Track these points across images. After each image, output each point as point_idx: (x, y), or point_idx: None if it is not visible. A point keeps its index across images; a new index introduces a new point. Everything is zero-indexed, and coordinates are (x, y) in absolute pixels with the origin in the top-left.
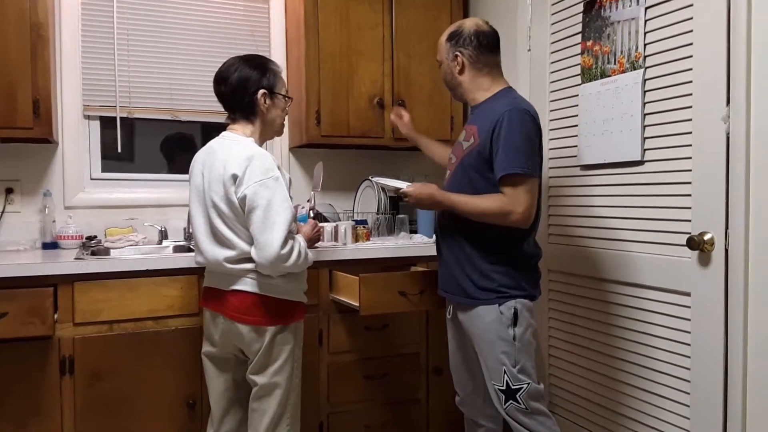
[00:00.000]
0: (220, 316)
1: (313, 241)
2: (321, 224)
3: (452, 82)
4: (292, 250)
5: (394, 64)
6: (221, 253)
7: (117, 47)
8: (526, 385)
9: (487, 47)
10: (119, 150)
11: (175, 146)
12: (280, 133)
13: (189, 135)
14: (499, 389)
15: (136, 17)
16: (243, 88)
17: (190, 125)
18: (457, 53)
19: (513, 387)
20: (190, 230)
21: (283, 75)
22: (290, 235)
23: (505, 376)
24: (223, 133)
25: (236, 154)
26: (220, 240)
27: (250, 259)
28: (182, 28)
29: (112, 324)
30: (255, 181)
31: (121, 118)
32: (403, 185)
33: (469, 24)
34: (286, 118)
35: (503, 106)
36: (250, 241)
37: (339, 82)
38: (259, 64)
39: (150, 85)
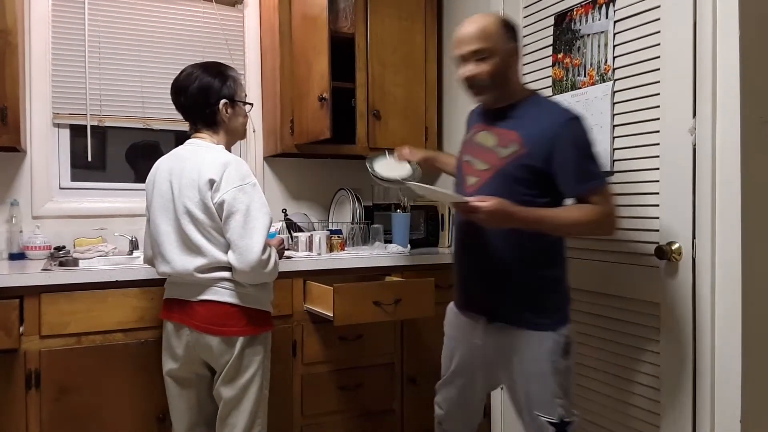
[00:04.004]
0: (185, 328)
1: (279, 256)
2: (295, 234)
3: (501, 77)
4: (270, 257)
5: (369, 74)
6: (191, 262)
7: (88, 54)
8: (575, 419)
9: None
10: (89, 159)
11: (140, 154)
12: (243, 137)
13: (154, 143)
14: (549, 422)
15: (108, 24)
16: (204, 98)
17: (162, 134)
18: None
19: (566, 421)
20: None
21: (245, 80)
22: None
23: (560, 409)
24: (190, 140)
25: (211, 160)
26: (191, 248)
27: (221, 268)
28: (155, 35)
29: (80, 336)
30: (233, 186)
31: (91, 126)
32: (462, 198)
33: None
34: (250, 122)
35: (558, 115)
36: (224, 249)
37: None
38: (219, 72)
39: (121, 93)
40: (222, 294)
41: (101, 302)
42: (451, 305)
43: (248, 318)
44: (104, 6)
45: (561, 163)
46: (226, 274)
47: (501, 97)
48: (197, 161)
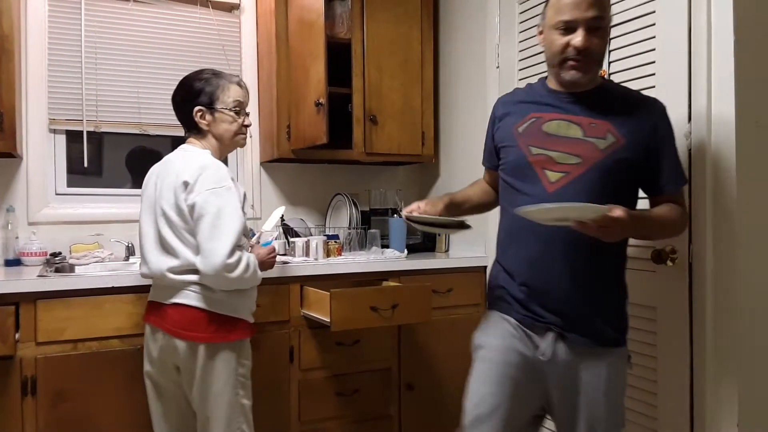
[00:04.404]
0: (159, 331)
1: (265, 266)
2: (292, 240)
3: (603, 56)
4: (239, 261)
5: (366, 80)
6: (165, 263)
7: (84, 60)
8: None
9: None
10: (86, 164)
11: (140, 160)
12: (239, 145)
13: (153, 149)
14: None
15: (105, 29)
16: (184, 105)
17: (159, 139)
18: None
19: None
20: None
21: (234, 88)
22: (240, 247)
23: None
24: (181, 146)
25: (190, 163)
26: (166, 249)
27: (193, 271)
28: (151, 40)
29: (76, 343)
30: (206, 188)
31: (88, 132)
32: (593, 208)
33: None
34: (251, 130)
35: (651, 102)
36: (197, 252)
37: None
38: (200, 79)
39: (118, 99)
40: (191, 298)
41: (97, 308)
42: (496, 314)
43: (216, 324)
44: (101, 11)
45: (663, 156)
46: (196, 277)
47: (591, 79)
48: (180, 165)
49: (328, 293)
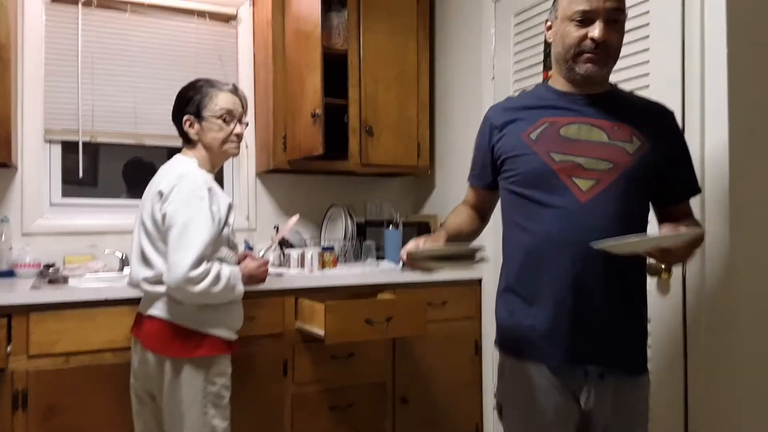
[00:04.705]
0: (139, 343)
1: (255, 279)
2: (287, 251)
3: (619, 50)
4: (206, 274)
5: (362, 91)
6: (142, 273)
7: (81, 70)
8: None
9: None
10: (81, 175)
11: (136, 172)
12: (231, 153)
13: (148, 161)
14: None
15: (102, 40)
16: (175, 116)
17: (155, 150)
18: None
19: None
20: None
21: (223, 96)
22: (209, 257)
23: None
24: (175, 156)
25: (170, 173)
26: (144, 259)
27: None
28: (148, 51)
29: (68, 356)
30: (179, 198)
31: (83, 142)
32: (683, 236)
33: None
34: (248, 139)
35: (661, 106)
36: None
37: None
38: (191, 88)
39: (114, 109)
40: (161, 309)
41: (90, 321)
42: (522, 366)
43: (182, 339)
44: (98, 21)
45: (681, 163)
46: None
47: (604, 78)
48: (160, 175)
49: (323, 305)
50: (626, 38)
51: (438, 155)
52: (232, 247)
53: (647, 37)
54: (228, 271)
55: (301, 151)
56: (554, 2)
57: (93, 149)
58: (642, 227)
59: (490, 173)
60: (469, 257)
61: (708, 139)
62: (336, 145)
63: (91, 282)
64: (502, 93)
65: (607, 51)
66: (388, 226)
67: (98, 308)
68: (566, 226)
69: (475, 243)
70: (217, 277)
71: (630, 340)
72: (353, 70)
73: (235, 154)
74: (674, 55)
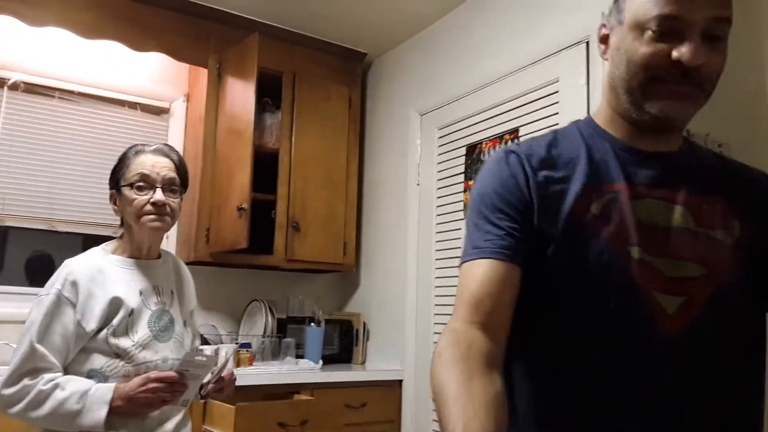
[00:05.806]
0: None
1: (137, 404)
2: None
3: (717, 80)
4: (21, 395)
5: (291, 187)
6: None
7: None
8: None
9: None
10: None
11: (37, 264)
12: (149, 228)
13: (48, 254)
14: None
15: (24, 122)
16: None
17: (69, 237)
18: None
19: None
20: None
21: (142, 159)
22: (52, 369)
23: None
24: None
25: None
26: None
27: None
28: (73, 137)
29: None
30: (38, 295)
31: None
32: None
33: None
34: (163, 216)
35: (754, 171)
36: None
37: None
38: (119, 158)
39: (28, 192)
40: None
41: None
42: None
43: None
44: (22, 104)
45: None
46: None
47: (684, 125)
48: None
49: (233, 407)
50: None
51: (364, 254)
52: (121, 354)
53: None
54: (68, 393)
55: (224, 245)
56: (616, 1)
57: (2, 232)
58: (756, 392)
59: (525, 247)
60: None
61: None
62: (262, 240)
63: None
64: (426, 198)
65: (701, 81)
66: (309, 323)
67: None
68: (644, 379)
69: None
70: (38, 401)
71: None
72: (284, 167)
73: (157, 228)
74: None
